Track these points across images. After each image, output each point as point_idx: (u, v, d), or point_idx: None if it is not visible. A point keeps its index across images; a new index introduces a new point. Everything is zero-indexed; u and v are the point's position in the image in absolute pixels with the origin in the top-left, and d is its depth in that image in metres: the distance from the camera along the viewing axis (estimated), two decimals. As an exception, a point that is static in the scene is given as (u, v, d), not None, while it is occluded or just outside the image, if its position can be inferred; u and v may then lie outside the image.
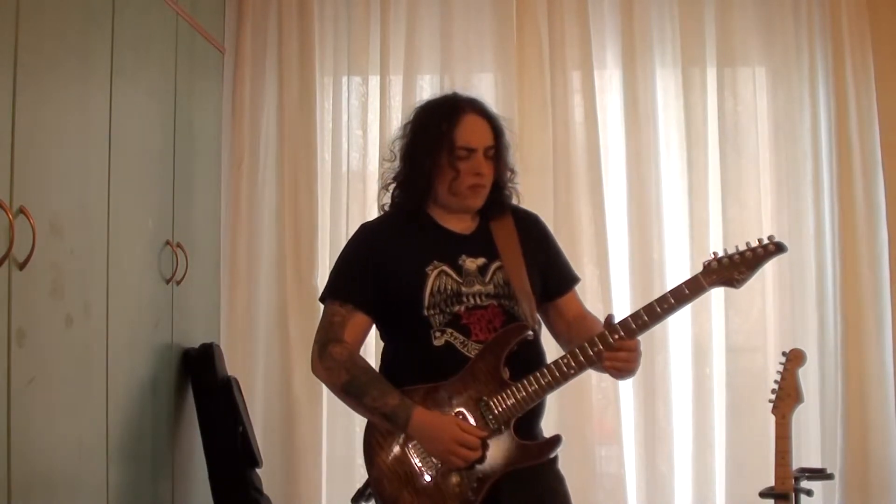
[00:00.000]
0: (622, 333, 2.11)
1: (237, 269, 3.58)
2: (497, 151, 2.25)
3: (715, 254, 2.17)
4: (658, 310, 2.12)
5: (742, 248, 2.16)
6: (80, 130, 2.34)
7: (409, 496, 2.12)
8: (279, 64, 3.63)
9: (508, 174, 2.32)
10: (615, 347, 2.10)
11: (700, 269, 2.17)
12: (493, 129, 2.25)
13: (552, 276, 2.34)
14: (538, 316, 2.28)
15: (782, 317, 3.54)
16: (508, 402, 2.12)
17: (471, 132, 2.20)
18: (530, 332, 2.17)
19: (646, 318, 2.12)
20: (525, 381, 2.12)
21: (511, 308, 2.21)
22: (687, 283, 2.15)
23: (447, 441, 2.08)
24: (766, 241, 2.16)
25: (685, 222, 3.58)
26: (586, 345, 2.12)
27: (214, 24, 3.49)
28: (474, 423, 2.12)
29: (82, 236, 2.32)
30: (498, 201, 2.30)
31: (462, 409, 2.13)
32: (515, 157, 2.37)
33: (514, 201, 2.38)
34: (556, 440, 2.16)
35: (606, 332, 2.12)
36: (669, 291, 2.14)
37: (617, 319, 2.13)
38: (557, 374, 2.12)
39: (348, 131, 3.67)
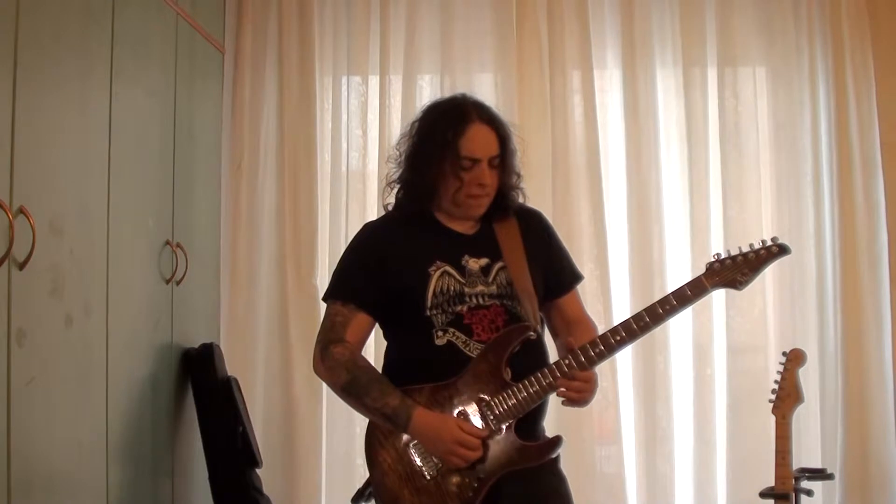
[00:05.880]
0: (623, 335, 2.12)
1: (237, 269, 3.57)
2: (502, 160, 2.23)
3: (717, 255, 2.16)
4: (660, 311, 2.12)
5: (745, 249, 2.15)
6: (80, 130, 2.34)
7: (410, 495, 2.12)
8: (279, 64, 3.62)
9: (514, 178, 2.30)
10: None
11: (700, 268, 2.17)
12: (500, 137, 2.22)
13: (554, 274, 2.33)
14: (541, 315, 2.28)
15: (782, 317, 3.54)
16: (510, 403, 2.11)
17: (476, 142, 2.18)
18: (533, 333, 2.17)
19: (648, 319, 2.12)
20: (526, 382, 2.12)
21: (514, 308, 2.20)
22: (689, 284, 2.15)
23: (448, 441, 2.08)
24: (769, 243, 2.15)
25: (685, 222, 3.57)
26: (588, 345, 2.12)
27: (214, 24, 3.49)
28: (475, 423, 2.11)
29: (82, 236, 2.31)
30: (502, 206, 2.29)
31: (463, 409, 2.12)
32: (518, 158, 2.34)
33: (520, 201, 2.36)
34: (556, 441, 2.16)
35: (609, 334, 2.12)
36: (672, 293, 2.14)
37: (617, 321, 2.13)
38: (559, 375, 2.12)
39: (348, 131, 3.67)
